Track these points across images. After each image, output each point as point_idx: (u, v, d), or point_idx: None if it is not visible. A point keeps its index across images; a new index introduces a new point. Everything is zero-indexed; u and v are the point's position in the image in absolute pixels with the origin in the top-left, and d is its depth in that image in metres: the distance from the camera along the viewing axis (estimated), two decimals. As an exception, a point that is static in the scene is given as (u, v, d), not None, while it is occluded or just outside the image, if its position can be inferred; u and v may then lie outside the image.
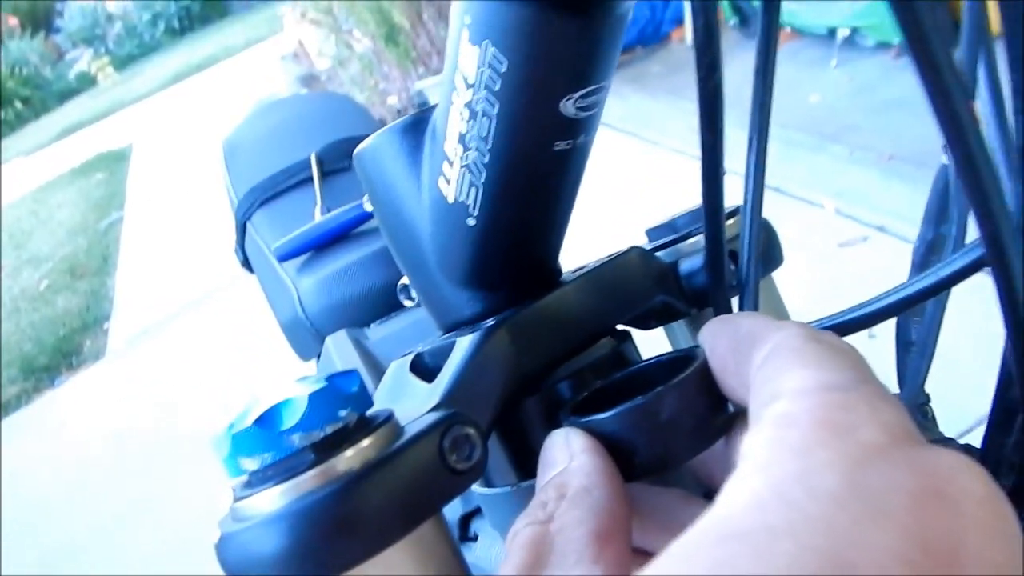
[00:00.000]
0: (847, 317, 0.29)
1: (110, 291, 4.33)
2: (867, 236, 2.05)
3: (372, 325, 0.74)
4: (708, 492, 0.27)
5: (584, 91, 0.26)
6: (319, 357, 0.79)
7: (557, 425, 0.26)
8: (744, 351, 0.23)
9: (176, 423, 2.64)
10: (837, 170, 2.36)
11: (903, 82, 2.63)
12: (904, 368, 0.41)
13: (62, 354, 3.71)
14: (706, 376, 0.25)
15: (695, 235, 0.37)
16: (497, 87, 0.26)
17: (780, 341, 0.22)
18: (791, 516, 0.17)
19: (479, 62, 0.26)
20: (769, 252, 0.39)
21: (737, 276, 0.31)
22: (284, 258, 0.87)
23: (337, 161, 0.99)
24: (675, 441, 0.24)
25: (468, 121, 0.27)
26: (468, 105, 0.27)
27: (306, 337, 0.82)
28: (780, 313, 0.42)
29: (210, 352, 3.06)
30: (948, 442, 0.37)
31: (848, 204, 2.18)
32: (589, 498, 0.23)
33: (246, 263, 1.04)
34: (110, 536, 2.26)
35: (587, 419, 0.25)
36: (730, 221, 0.36)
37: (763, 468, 0.18)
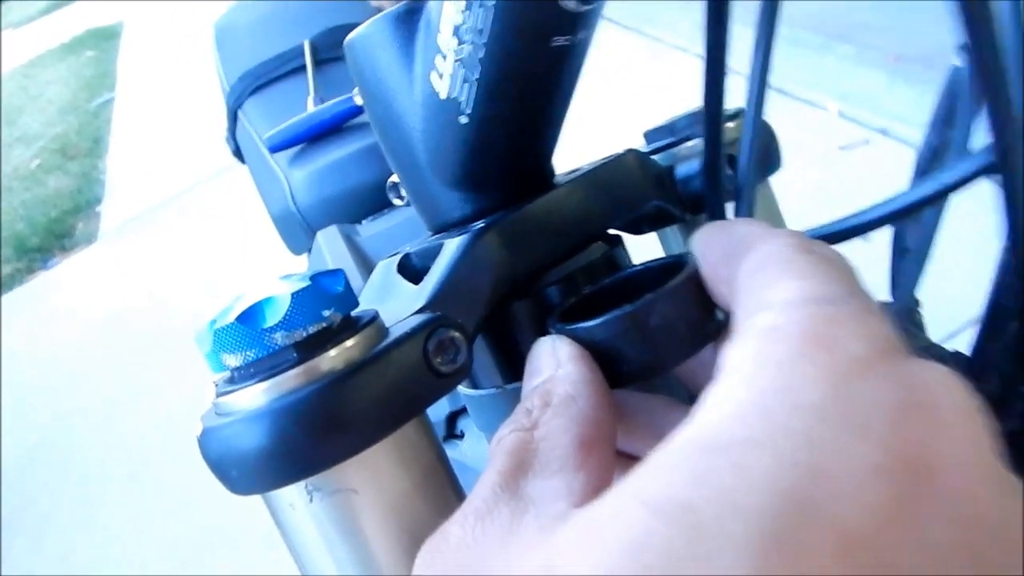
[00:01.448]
0: (846, 224, 0.28)
1: (101, 174, 4.29)
2: (869, 139, 2.02)
3: (364, 221, 0.73)
4: (692, 396, 0.27)
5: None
6: (310, 251, 0.79)
7: (545, 331, 0.26)
8: (735, 258, 0.23)
9: (167, 308, 2.66)
10: (842, 71, 2.31)
11: (917, -21, 2.55)
12: (898, 273, 0.40)
13: (55, 236, 3.70)
14: (696, 283, 0.24)
15: (694, 139, 0.36)
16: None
17: (771, 250, 0.22)
18: (772, 430, 0.17)
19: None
20: (768, 156, 0.38)
21: (734, 181, 0.30)
22: (276, 149, 0.85)
23: (332, 49, 0.96)
24: (663, 349, 0.24)
25: (464, 12, 0.26)
26: (461, 10, 0.25)
27: (297, 231, 0.81)
28: (776, 218, 0.42)
29: (202, 238, 3.05)
30: (936, 349, 0.37)
31: (852, 106, 2.14)
32: (574, 406, 0.23)
33: (237, 152, 1.03)
34: (103, 416, 2.31)
35: (574, 326, 0.25)
36: (730, 124, 0.35)
37: (747, 381, 0.18)
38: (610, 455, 0.23)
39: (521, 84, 0.27)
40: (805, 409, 0.17)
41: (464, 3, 0.26)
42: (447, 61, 0.27)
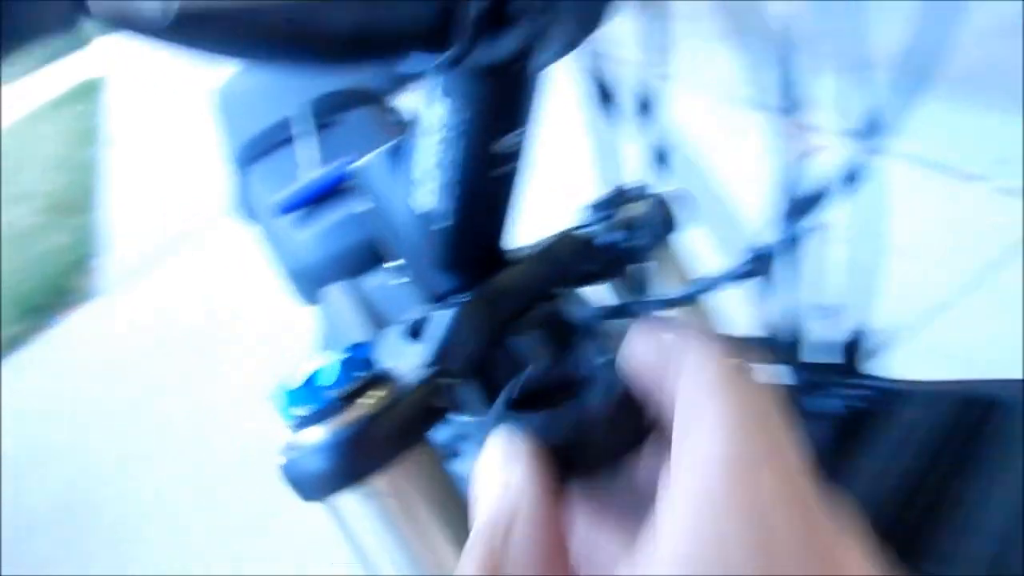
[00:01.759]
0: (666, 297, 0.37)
1: (98, 227, 4.38)
2: (827, 144, 2.13)
3: (369, 275, 0.83)
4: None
5: (510, 133, 0.36)
6: (317, 301, 0.89)
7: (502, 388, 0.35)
8: (668, 374, 0.26)
9: (173, 357, 2.74)
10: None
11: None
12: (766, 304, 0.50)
13: (55, 293, 3.77)
14: (628, 393, 0.28)
15: (615, 214, 0.47)
16: (447, 133, 0.36)
17: (702, 380, 0.25)
18: None
19: (434, 119, 0.35)
20: (666, 224, 0.49)
21: (634, 247, 0.41)
22: (287, 210, 0.95)
23: (331, 112, 1.06)
24: (602, 447, 0.28)
25: (429, 154, 0.37)
26: (428, 146, 0.37)
27: (307, 285, 0.92)
28: (681, 272, 0.52)
29: (201, 286, 3.14)
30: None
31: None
32: (533, 534, 0.25)
33: (244, 214, 1.13)
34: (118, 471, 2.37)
35: (522, 416, 0.29)
36: (634, 204, 0.47)
37: (683, 533, 0.22)
38: (566, 560, 0.26)
39: (473, 201, 0.38)
40: (733, 566, 0.21)
41: (433, 151, 0.37)
42: (422, 187, 0.38)
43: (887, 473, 0.34)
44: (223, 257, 3.20)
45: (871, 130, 0.38)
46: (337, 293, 0.79)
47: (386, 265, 0.46)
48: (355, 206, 0.90)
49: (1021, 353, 1.39)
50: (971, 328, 1.51)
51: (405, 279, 0.44)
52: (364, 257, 0.85)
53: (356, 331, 0.78)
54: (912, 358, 1.51)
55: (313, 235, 0.90)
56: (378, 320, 0.76)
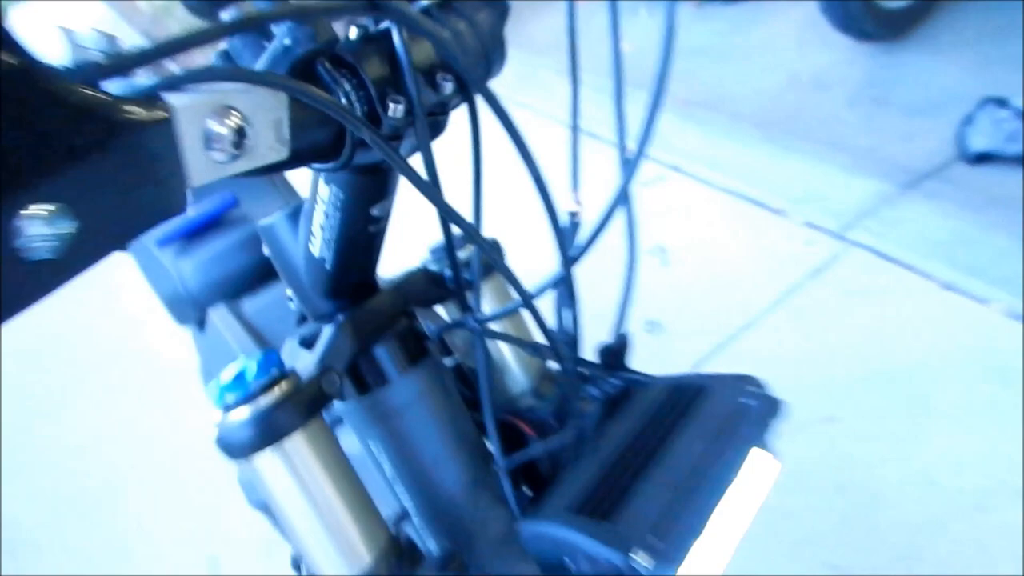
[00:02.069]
0: None
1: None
2: (664, 176, 2.40)
3: (244, 298, 0.98)
4: None
5: (380, 203, 0.53)
6: (199, 323, 1.02)
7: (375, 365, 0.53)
8: None
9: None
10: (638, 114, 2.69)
11: (702, 30, 2.99)
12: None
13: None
14: None
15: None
16: (337, 204, 0.52)
17: None
18: None
19: (329, 194, 0.51)
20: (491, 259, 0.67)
21: (464, 279, 0.58)
22: (164, 244, 1.08)
23: None
24: None
25: (323, 216, 0.53)
26: (323, 211, 0.53)
27: (186, 308, 1.05)
28: (503, 291, 0.69)
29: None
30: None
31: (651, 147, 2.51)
32: None
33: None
34: None
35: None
36: (467, 246, 0.64)
37: None
38: None
39: (350, 249, 0.54)
40: None
41: (323, 214, 0.53)
42: (316, 239, 0.54)
43: (623, 436, 0.51)
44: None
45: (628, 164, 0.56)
46: (221, 316, 0.93)
47: (286, 292, 0.61)
48: (228, 239, 1.04)
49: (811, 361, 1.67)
50: (771, 341, 1.77)
51: (294, 304, 0.60)
52: (240, 281, 0.99)
53: (240, 345, 0.92)
54: (721, 363, 1.77)
55: (194, 265, 1.03)
56: (257, 336, 0.91)
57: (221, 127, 0.34)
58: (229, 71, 0.38)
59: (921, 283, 1.74)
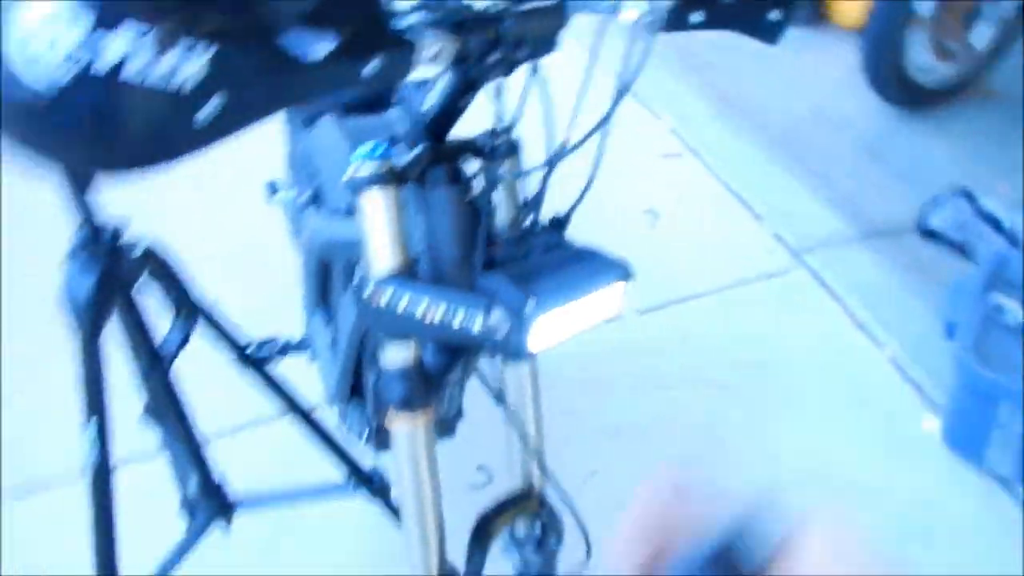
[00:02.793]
0: None
1: None
2: (682, 153, 2.71)
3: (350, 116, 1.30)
4: None
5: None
6: (305, 122, 1.34)
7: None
8: None
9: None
10: (682, 96, 2.99)
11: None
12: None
13: None
14: None
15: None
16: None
17: None
18: None
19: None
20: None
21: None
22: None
23: None
24: None
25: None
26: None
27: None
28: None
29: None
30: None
31: (681, 125, 2.83)
32: None
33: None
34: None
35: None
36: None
37: None
38: None
39: (447, 116, 0.86)
40: None
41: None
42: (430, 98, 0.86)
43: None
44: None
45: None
46: (329, 120, 1.25)
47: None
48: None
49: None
50: (695, 315, 2.13)
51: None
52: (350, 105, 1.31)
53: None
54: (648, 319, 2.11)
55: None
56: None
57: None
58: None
59: (839, 314, 2.09)
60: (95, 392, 0.93)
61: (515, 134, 0.87)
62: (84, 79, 0.43)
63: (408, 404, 0.82)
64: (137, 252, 0.92)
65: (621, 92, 0.78)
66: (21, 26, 0.42)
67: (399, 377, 0.81)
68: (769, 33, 0.92)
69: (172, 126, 0.46)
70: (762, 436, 1.81)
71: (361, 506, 1.39)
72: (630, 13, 0.78)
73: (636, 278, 0.83)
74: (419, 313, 0.76)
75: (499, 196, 0.90)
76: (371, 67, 0.57)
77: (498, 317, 0.73)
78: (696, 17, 0.82)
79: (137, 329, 0.96)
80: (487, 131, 0.86)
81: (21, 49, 0.42)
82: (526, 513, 0.95)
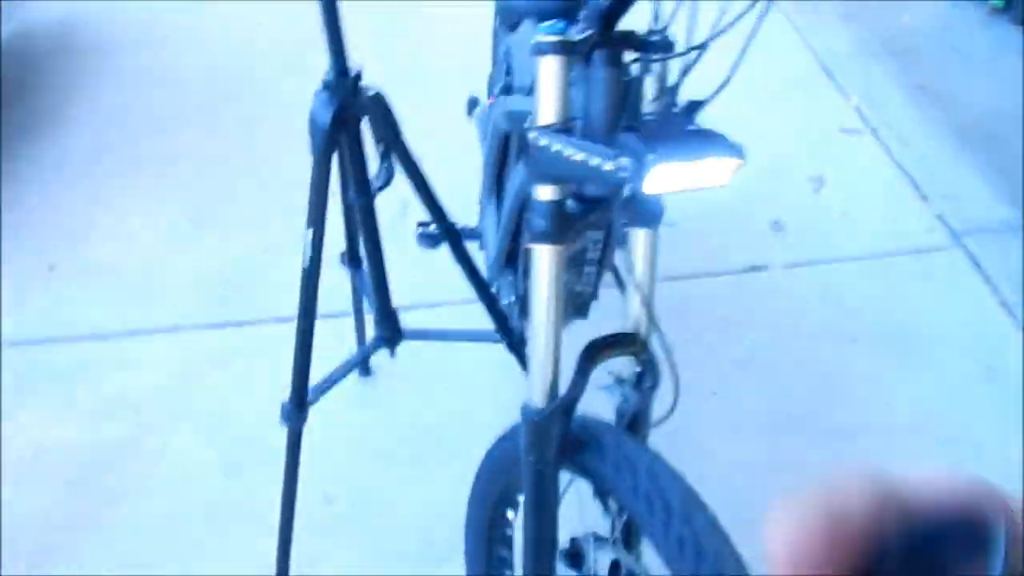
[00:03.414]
0: None
1: None
2: (863, 132, 2.76)
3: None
4: None
5: None
6: (511, 26, 1.57)
7: None
8: None
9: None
10: (877, 79, 3.01)
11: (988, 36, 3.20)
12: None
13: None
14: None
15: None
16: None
17: None
18: None
19: None
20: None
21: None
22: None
23: None
24: None
25: None
26: None
27: (511, 15, 1.58)
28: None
29: None
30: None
31: (866, 105, 2.86)
32: None
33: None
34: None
35: None
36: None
37: None
38: None
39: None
40: None
41: None
42: None
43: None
44: None
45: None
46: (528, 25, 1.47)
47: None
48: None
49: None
50: (853, 276, 2.21)
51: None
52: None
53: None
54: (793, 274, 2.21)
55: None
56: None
57: None
58: None
59: (987, 296, 2.12)
60: (320, 205, 1.20)
61: (669, 33, 1.06)
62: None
63: (548, 236, 1.03)
64: (369, 93, 1.18)
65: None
66: None
67: (544, 212, 1.02)
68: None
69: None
70: (885, 388, 1.91)
71: (502, 355, 1.65)
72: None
73: (746, 160, 0.99)
74: (567, 155, 0.97)
75: (650, 81, 1.08)
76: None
77: (624, 162, 0.93)
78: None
79: (357, 158, 1.23)
80: (648, 28, 1.05)
81: None
82: (630, 353, 1.15)
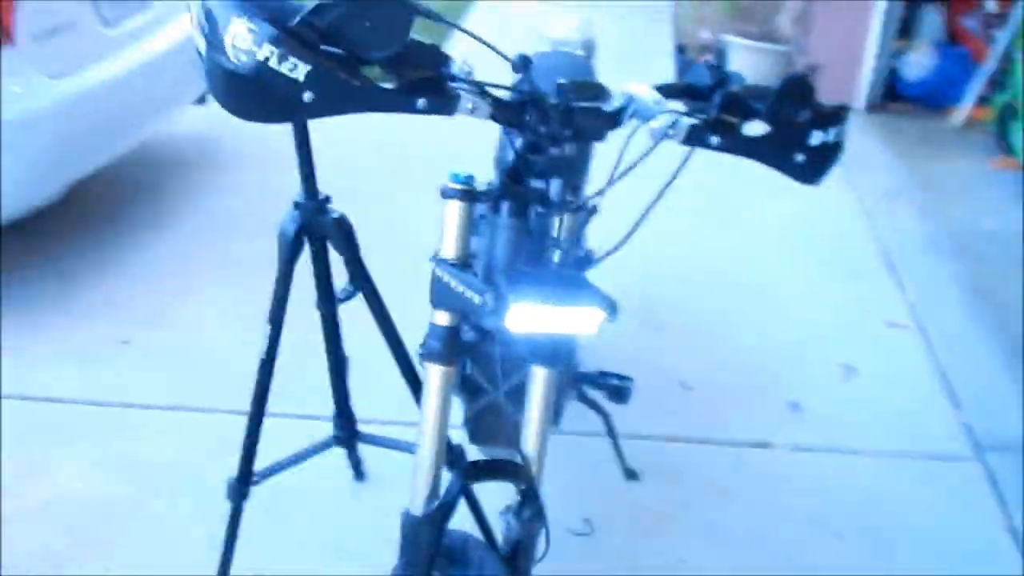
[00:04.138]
0: None
1: None
2: (909, 327, 2.73)
3: None
4: None
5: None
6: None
7: None
8: None
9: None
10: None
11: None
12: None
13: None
14: None
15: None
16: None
17: None
18: None
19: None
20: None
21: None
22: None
23: None
24: None
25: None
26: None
27: None
28: None
29: None
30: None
31: (920, 301, 2.84)
32: None
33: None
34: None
35: None
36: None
37: None
38: None
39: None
40: None
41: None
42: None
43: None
44: None
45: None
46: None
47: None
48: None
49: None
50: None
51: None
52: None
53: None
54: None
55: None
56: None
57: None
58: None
59: (993, 516, 2.03)
60: (280, 305, 1.38)
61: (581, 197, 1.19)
62: (254, 63, 0.85)
63: (439, 358, 1.15)
64: (333, 215, 1.36)
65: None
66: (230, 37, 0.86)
67: (439, 335, 1.14)
68: (800, 173, 1.14)
69: (291, 97, 0.87)
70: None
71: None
72: (658, 120, 1.06)
73: (617, 317, 1.09)
74: (452, 286, 1.10)
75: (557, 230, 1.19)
76: (421, 103, 0.94)
77: (490, 297, 1.05)
78: (714, 140, 1.08)
79: (321, 272, 1.41)
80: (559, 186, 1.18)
81: (230, 48, 0.86)
82: (509, 480, 1.22)
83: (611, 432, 2.14)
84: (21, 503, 2.03)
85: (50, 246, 3.10)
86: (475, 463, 1.22)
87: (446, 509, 1.17)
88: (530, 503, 1.22)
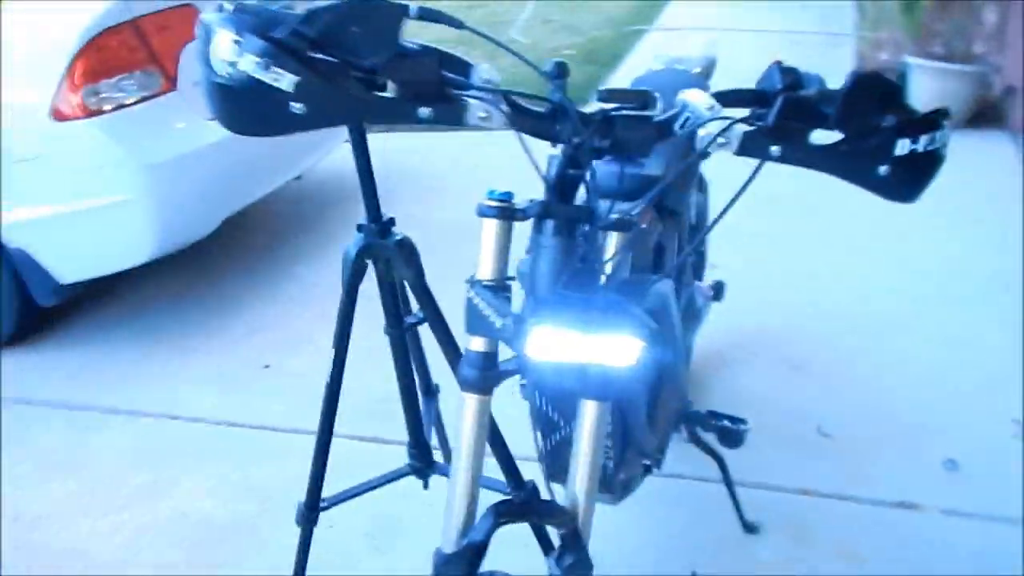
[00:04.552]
0: None
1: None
2: None
3: None
4: None
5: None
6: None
7: None
8: None
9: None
10: None
11: None
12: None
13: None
14: None
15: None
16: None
17: None
18: None
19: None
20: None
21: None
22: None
23: None
24: None
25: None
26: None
27: None
28: None
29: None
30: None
31: None
32: None
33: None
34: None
35: None
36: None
37: None
38: None
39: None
40: None
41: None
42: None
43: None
44: None
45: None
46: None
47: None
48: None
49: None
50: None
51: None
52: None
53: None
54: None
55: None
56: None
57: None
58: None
59: None
60: (344, 328, 1.36)
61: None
62: (239, 75, 0.83)
63: (473, 386, 1.08)
64: (396, 238, 1.33)
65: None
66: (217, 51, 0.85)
67: (474, 362, 1.08)
68: (886, 189, 0.99)
69: (280, 108, 0.85)
70: None
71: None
72: (706, 128, 0.96)
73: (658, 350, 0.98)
74: (481, 309, 1.03)
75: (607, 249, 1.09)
76: (424, 112, 0.89)
77: (509, 322, 0.98)
78: (775, 150, 0.96)
79: (387, 294, 1.38)
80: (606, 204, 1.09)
81: (215, 61, 0.85)
82: (549, 523, 1.13)
83: (726, 478, 1.98)
84: (147, 519, 2.13)
85: (206, 276, 3.31)
86: (505, 502, 1.14)
87: (477, 548, 1.09)
88: (573, 549, 1.12)
